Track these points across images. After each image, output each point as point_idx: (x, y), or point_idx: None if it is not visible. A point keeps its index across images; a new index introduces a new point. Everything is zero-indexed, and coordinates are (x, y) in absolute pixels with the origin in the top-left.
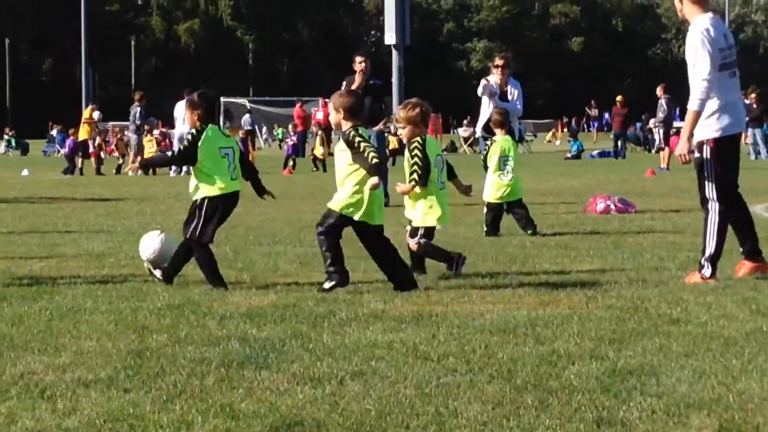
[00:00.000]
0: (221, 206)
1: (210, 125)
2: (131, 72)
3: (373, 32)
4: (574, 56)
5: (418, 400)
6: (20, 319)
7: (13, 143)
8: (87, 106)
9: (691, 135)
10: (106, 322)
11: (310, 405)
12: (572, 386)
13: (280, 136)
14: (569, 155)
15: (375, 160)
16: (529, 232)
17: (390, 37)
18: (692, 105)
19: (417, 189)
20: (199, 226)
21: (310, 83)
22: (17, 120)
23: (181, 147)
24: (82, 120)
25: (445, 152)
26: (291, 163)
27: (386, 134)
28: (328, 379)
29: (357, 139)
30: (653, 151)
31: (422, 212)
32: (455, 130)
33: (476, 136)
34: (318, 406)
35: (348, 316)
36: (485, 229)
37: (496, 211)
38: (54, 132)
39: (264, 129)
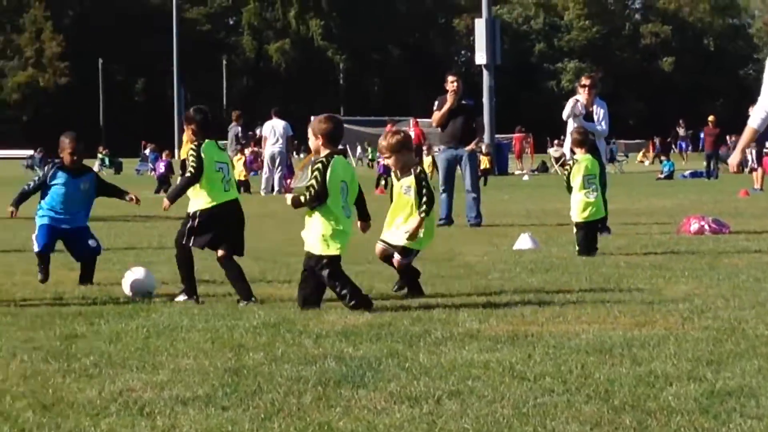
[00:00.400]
0: (216, 216)
1: (206, 140)
2: (222, 91)
3: (463, 52)
4: (665, 76)
5: (516, 420)
6: (118, 336)
7: (107, 162)
8: (179, 125)
9: (745, 148)
10: (203, 340)
11: (408, 424)
12: (670, 407)
13: (370, 156)
14: (661, 175)
15: (299, 198)
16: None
17: (481, 57)
18: (752, 123)
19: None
20: (186, 234)
21: (401, 102)
22: (111, 139)
23: (193, 163)
24: (184, 140)
25: (535, 172)
26: (383, 182)
27: (477, 153)
28: (425, 398)
29: (315, 168)
30: (746, 171)
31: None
32: (547, 150)
33: (566, 157)
34: (415, 425)
35: (443, 335)
36: (577, 248)
37: (585, 230)
38: (147, 151)
39: (358, 148)
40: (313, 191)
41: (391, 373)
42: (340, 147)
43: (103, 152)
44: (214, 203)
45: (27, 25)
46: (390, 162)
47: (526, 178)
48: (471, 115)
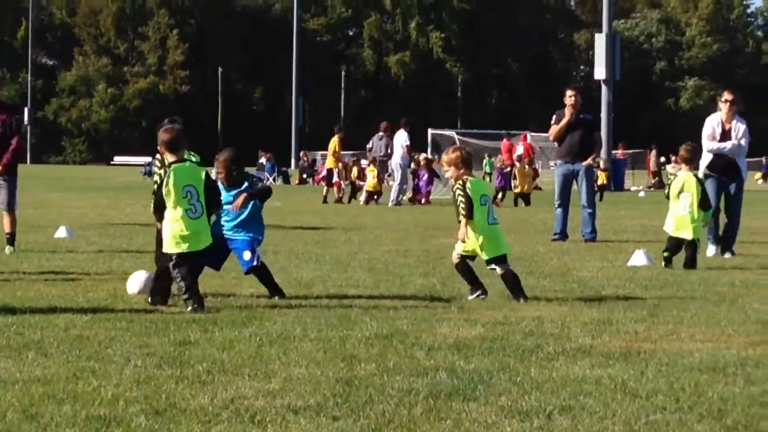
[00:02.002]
0: None
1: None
2: (341, 102)
3: (582, 67)
4: None
5: None
6: (231, 343)
7: None
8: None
9: None
10: (315, 349)
11: None
12: None
13: (488, 169)
14: None
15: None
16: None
17: (600, 72)
18: None
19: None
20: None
21: (518, 116)
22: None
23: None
24: (330, 150)
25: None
26: (500, 195)
27: (594, 169)
28: (536, 413)
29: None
30: None
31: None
32: (665, 167)
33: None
34: None
35: (555, 350)
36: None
37: (674, 243)
38: (263, 160)
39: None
40: (153, 199)
41: (503, 387)
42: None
43: None
44: None
45: (151, 32)
46: (449, 175)
47: (642, 194)
48: (589, 130)
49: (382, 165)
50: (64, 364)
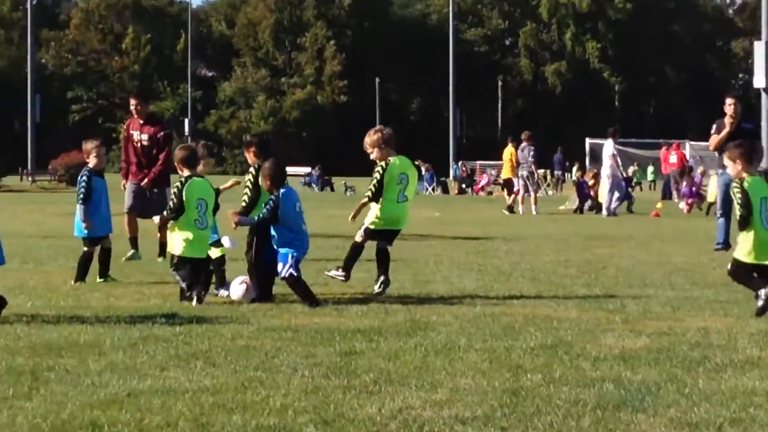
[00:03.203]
0: None
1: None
2: (497, 112)
3: (741, 75)
4: None
5: None
6: (396, 354)
7: None
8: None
9: None
10: (481, 360)
11: None
12: None
13: (638, 179)
14: None
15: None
16: None
17: (759, 81)
18: None
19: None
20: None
21: (677, 125)
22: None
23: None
24: (506, 159)
25: None
26: (659, 205)
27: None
28: (706, 425)
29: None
30: None
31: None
32: None
33: None
34: None
35: (723, 361)
36: None
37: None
38: (422, 170)
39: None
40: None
41: (671, 399)
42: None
43: None
44: None
45: (308, 43)
46: (373, 156)
47: None
48: (750, 139)
49: (530, 176)
50: (233, 374)
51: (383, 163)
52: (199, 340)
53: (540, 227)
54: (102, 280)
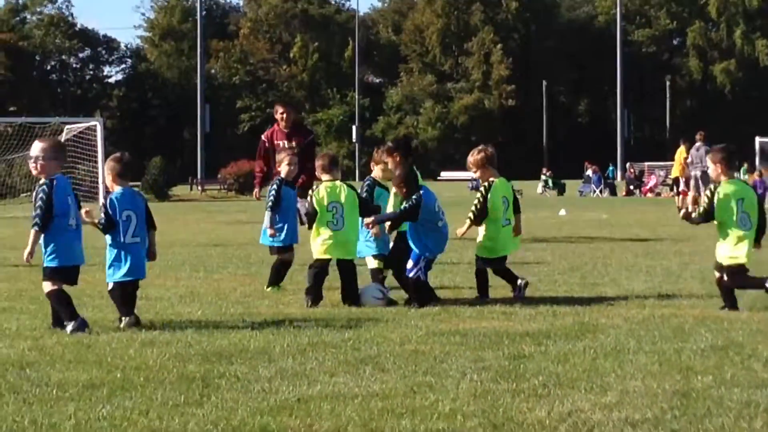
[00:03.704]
0: None
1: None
2: (665, 113)
3: None
4: None
5: None
6: (565, 357)
7: (550, 183)
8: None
9: None
10: (650, 362)
11: None
12: None
13: None
14: None
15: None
16: None
17: None
18: None
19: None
20: None
21: None
22: (554, 160)
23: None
24: (677, 159)
25: None
26: None
27: None
28: None
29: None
30: None
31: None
32: None
33: None
34: None
35: None
36: None
37: None
38: (589, 172)
39: None
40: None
41: None
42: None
43: (547, 174)
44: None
45: (475, 48)
46: (476, 176)
47: None
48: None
49: (704, 176)
50: (401, 378)
51: (486, 184)
52: (367, 346)
53: (710, 227)
54: (271, 288)
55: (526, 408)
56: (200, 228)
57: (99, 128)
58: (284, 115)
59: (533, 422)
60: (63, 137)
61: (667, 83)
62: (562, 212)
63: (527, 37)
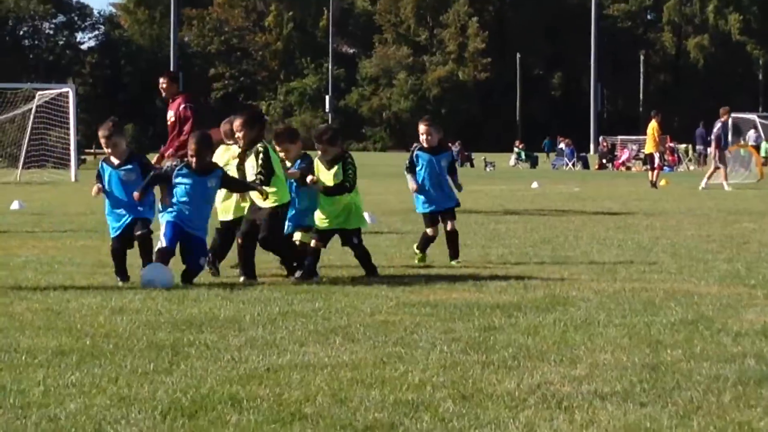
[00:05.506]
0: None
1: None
2: (639, 88)
3: None
4: None
5: None
6: (535, 329)
7: (523, 156)
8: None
9: None
10: (620, 335)
11: None
12: None
13: None
14: None
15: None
16: None
17: None
18: None
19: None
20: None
21: None
22: (527, 133)
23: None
24: (649, 134)
25: None
26: None
27: None
28: None
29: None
30: None
31: None
32: None
33: None
34: None
35: None
36: None
37: None
38: (562, 146)
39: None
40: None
41: None
42: (753, 144)
43: (520, 146)
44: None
45: (451, 20)
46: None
47: None
48: None
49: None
50: (371, 349)
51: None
52: (338, 316)
53: (681, 202)
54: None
55: (495, 380)
56: None
57: (71, 95)
58: (164, 86)
59: (502, 394)
60: (34, 103)
61: (642, 58)
62: (535, 185)
63: (502, 10)
